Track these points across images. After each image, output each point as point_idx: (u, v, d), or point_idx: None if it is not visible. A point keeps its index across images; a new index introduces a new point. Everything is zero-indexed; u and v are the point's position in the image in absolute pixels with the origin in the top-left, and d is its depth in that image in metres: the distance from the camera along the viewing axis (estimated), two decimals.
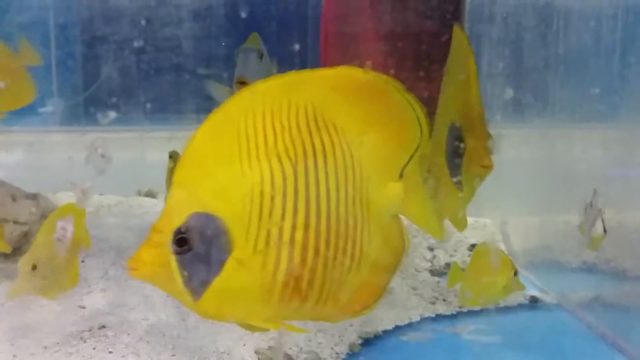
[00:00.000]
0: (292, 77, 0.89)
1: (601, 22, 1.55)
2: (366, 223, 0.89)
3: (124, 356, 1.03)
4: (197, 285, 0.80)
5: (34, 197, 1.41)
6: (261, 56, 1.47)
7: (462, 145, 1.03)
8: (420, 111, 0.92)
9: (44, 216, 1.43)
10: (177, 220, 0.78)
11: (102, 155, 1.11)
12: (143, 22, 2.25)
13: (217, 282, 0.79)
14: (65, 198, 1.54)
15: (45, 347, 1.12)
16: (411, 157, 0.93)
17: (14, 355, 1.12)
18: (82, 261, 1.42)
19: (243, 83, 1.33)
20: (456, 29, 1.07)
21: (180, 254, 0.78)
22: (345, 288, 0.86)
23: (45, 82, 2.24)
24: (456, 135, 1.04)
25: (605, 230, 1.45)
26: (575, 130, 1.79)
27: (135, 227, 1.64)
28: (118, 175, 1.28)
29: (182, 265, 0.79)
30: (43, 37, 2.34)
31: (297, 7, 2.42)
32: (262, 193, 0.80)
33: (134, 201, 1.99)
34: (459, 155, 0.96)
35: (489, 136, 0.97)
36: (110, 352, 1.04)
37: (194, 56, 2.37)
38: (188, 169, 0.81)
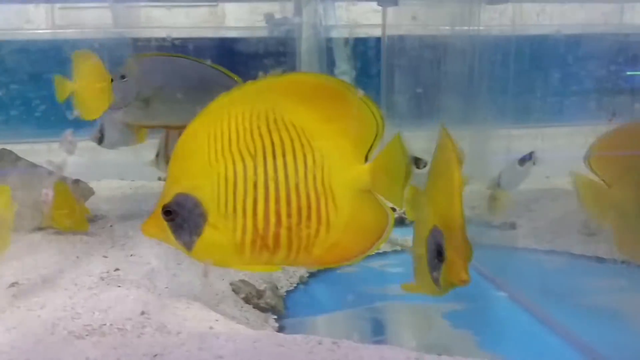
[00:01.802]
0: (256, 87, 0.87)
1: (467, 54, 1.51)
2: (330, 197, 0.85)
3: (128, 288, 0.97)
4: (186, 242, 0.86)
5: (76, 182, 1.35)
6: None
7: (441, 254, 0.85)
8: (372, 105, 0.87)
9: (82, 195, 1.36)
10: (167, 198, 0.85)
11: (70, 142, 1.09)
12: None
13: (200, 241, 0.85)
14: None
15: (76, 284, 1.02)
16: (372, 144, 0.87)
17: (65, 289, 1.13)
18: (111, 226, 1.40)
19: None
20: (443, 130, 0.91)
21: (169, 221, 0.86)
22: (317, 245, 0.86)
23: None
24: (437, 241, 0.84)
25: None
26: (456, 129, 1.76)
27: None
28: None
29: (173, 229, 0.86)
30: None
31: None
32: (226, 178, 0.83)
33: None
34: (439, 261, 0.83)
35: (469, 249, 0.85)
36: (119, 286, 0.98)
37: None
38: (176, 163, 0.86)
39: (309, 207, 0.84)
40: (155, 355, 0.86)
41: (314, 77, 0.88)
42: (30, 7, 2.35)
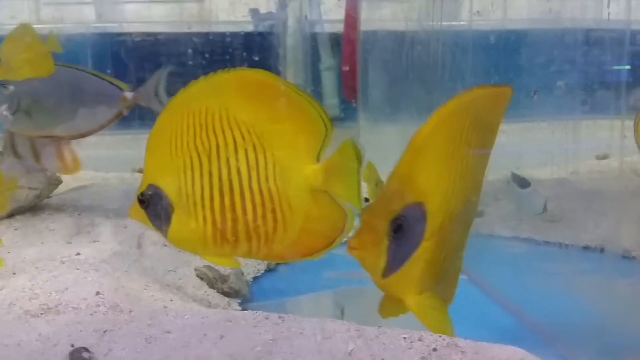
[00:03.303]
0: (209, 83, 0.86)
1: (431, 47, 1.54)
2: (283, 196, 0.85)
3: (86, 271, 0.99)
4: (161, 229, 0.88)
5: (42, 170, 1.36)
6: None
7: None
8: (318, 106, 0.86)
9: (50, 184, 1.38)
10: (143, 187, 0.87)
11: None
12: None
13: (171, 230, 0.87)
14: None
15: (37, 267, 1.04)
16: (322, 144, 0.86)
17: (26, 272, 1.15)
18: (79, 214, 1.42)
19: None
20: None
21: (145, 209, 0.87)
22: (276, 242, 0.86)
23: None
24: None
25: None
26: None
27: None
28: None
29: (149, 216, 0.88)
30: None
31: None
32: (184, 172, 0.85)
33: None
34: None
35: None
36: (77, 269, 0.99)
37: None
38: (148, 154, 0.88)
39: (262, 206, 0.84)
40: (105, 331, 0.88)
41: (260, 75, 0.86)
42: (15, 2, 2.36)
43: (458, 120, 0.86)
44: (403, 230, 0.80)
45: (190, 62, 2.21)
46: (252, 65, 1.95)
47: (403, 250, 0.83)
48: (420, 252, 0.83)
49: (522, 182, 1.62)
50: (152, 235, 1.34)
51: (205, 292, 1.29)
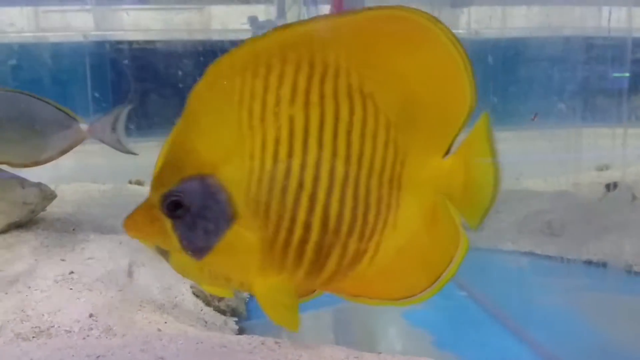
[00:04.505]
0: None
1: None
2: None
3: (80, 291, 0.96)
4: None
5: (37, 185, 1.34)
6: None
7: None
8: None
9: (45, 198, 1.36)
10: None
11: None
12: None
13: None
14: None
15: (29, 287, 1.08)
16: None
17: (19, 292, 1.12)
18: (73, 229, 1.40)
19: None
20: None
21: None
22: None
23: None
24: None
25: None
26: None
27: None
28: None
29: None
30: None
31: None
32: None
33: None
34: None
35: None
36: (71, 289, 0.97)
37: None
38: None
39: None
40: (98, 357, 0.85)
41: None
42: (14, 10, 2.34)
43: (275, 63, 0.61)
44: (184, 207, 0.62)
45: (186, 70, 2.19)
46: None
47: (202, 229, 0.63)
48: (238, 230, 0.63)
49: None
50: (147, 250, 1.32)
51: (201, 310, 1.27)
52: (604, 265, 1.45)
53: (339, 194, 0.60)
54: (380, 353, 0.85)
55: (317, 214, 0.60)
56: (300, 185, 0.59)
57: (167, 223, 0.64)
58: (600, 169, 2.09)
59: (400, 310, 1.30)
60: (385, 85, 0.59)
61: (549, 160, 1.76)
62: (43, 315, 1.00)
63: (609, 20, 1.43)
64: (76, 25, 2.42)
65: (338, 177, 0.59)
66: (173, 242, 0.64)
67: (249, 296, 1.40)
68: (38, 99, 1.41)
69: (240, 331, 1.25)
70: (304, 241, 0.61)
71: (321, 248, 0.62)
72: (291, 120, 0.58)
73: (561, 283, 1.41)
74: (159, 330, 0.97)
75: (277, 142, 0.59)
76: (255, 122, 0.59)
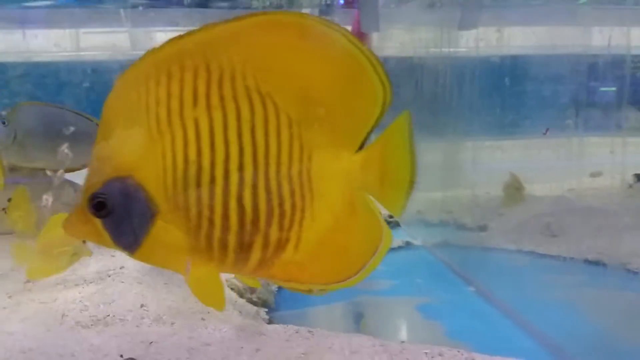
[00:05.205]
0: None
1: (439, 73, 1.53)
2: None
3: (130, 284, 0.99)
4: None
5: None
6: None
7: None
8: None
9: None
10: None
11: None
12: None
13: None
14: None
15: (85, 280, 1.14)
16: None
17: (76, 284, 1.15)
18: None
19: None
20: None
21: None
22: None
23: None
24: None
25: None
26: (431, 142, 1.80)
27: None
28: None
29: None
30: None
31: None
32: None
33: None
34: None
35: None
36: (122, 282, 1.00)
37: None
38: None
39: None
40: (151, 343, 0.88)
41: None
42: (58, 31, 2.40)
43: (174, 71, 0.61)
44: (107, 207, 0.62)
45: None
46: None
47: (128, 225, 0.63)
48: (162, 225, 0.63)
49: None
50: None
51: (236, 301, 1.29)
52: (603, 264, 1.46)
53: (251, 187, 0.61)
54: (403, 342, 0.87)
55: (232, 206, 0.61)
56: (212, 180, 0.61)
57: (98, 222, 0.65)
58: (594, 175, 2.09)
59: (414, 304, 1.32)
60: (282, 85, 0.59)
61: (546, 167, 1.78)
62: (99, 305, 1.03)
63: (609, 40, 1.46)
64: (113, 45, 2.47)
65: (247, 171, 0.60)
66: (106, 239, 0.66)
67: (277, 288, 1.43)
68: (72, 111, 1.45)
69: (271, 321, 1.28)
70: (225, 232, 0.62)
71: (243, 238, 0.63)
72: (196, 122, 0.60)
73: (563, 280, 1.42)
74: (203, 319, 1.00)
75: (185, 142, 0.60)
76: (162, 126, 0.61)
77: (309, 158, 0.60)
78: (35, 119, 1.41)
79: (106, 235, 0.65)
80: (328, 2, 2.30)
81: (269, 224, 0.62)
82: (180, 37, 0.62)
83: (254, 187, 0.60)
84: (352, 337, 0.87)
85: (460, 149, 1.59)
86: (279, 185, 0.60)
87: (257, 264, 0.64)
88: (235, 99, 0.59)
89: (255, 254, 0.63)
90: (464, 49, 1.66)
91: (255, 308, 1.33)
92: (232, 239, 0.62)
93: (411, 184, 0.63)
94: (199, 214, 0.62)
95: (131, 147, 0.63)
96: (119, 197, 0.63)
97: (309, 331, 0.89)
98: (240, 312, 1.27)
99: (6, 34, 2.25)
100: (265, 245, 0.62)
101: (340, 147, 0.61)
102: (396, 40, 1.96)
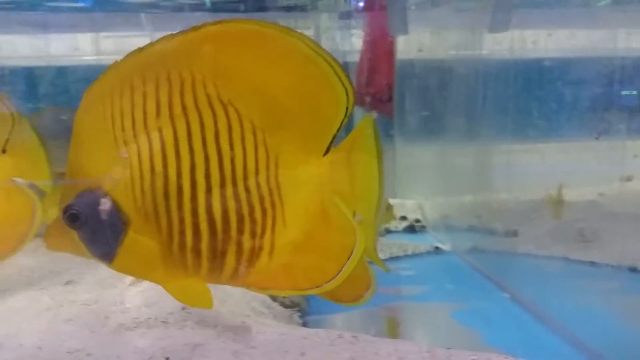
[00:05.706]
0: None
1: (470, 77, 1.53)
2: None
3: None
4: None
5: None
6: None
7: None
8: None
9: None
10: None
11: None
12: None
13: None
14: None
15: (123, 282, 1.06)
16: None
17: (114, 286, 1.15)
18: None
19: None
20: None
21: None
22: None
23: None
24: None
25: None
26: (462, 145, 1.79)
27: None
28: None
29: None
30: None
31: None
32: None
33: None
34: None
35: None
36: None
37: None
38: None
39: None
40: (196, 345, 0.89)
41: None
42: (79, 35, 2.44)
43: (137, 83, 0.63)
44: (81, 220, 0.64)
45: None
46: None
47: (101, 236, 0.65)
48: (134, 236, 0.64)
49: None
50: None
51: (269, 305, 1.30)
52: (637, 270, 1.44)
53: (219, 195, 0.60)
54: (449, 348, 0.86)
55: (201, 215, 0.61)
56: (180, 189, 0.61)
57: (74, 234, 0.67)
58: (624, 180, 2.06)
59: (449, 310, 1.32)
60: (243, 92, 0.59)
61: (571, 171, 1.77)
62: (140, 308, 1.04)
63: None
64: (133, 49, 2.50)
65: (214, 179, 0.60)
66: (84, 250, 0.68)
67: None
68: None
69: (304, 324, 1.28)
70: (197, 241, 0.63)
71: (215, 247, 0.63)
72: (160, 132, 0.60)
73: (599, 286, 1.40)
74: (244, 322, 1.00)
75: (150, 152, 0.61)
76: (128, 137, 0.61)
77: (275, 164, 0.61)
78: (59, 123, 1.44)
79: (83, 247, 0.67)
80: (347, 7, 2.31)
81: (240, 231, 0.63)
82: (140, 49, 0.64)
83: (222, 195, 0.61)
84: (397, 342, 0.86)
85: (493, 153, 1.58)
86: (248, 192, 0.62)
87: (232, 273, 0.67)
88: (197, 107, 0.60)
89: (230, 263, 0.66)
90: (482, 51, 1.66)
91: (288, 311, 1.34)
92: (204, 248, 0.63)
93: (381, 183, 0.62)
94: (169, 223, 0.63)
95: (99, 159, 0.64)
96: (90, 208, 0.64)
97: (353, 336, 0.89)
98: (274, 315, 1.27)
99: (30, 39, 2.30)
100: (239, 253, 0.64)
101: (307, 152, 0.61)
102: (424, 42, 1.96)
